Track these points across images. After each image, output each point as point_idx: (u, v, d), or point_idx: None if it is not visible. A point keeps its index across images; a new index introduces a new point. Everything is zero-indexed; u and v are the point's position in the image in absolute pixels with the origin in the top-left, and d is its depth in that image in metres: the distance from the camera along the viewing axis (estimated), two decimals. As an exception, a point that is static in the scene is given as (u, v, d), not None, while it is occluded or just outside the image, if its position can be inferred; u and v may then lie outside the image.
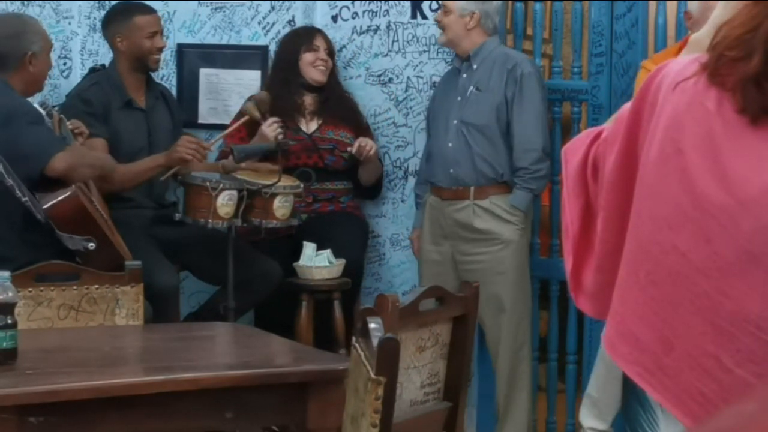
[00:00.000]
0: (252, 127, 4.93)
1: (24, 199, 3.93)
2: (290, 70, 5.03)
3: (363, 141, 4.98)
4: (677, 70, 1.91)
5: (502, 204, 4.71)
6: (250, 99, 4.92)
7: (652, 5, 4.93)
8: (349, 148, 5.00)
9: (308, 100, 5.08)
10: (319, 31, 5.11)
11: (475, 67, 4.78)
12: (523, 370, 4.77)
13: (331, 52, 5.09)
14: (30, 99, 4.30)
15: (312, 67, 5.02)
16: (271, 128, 4.84)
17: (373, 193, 5.21)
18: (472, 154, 4.72)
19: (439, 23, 4.86)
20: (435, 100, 4.96)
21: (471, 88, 4.77)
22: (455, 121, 4.77)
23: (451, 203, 4.76)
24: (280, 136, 4.81)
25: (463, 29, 4.78)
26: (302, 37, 5.07)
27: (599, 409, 4.35)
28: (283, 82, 5.03)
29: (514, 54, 4.87)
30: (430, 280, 4.63)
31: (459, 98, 4.79)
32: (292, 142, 4.85)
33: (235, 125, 4.92)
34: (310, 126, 5.07)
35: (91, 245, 4.01)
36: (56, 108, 4.44)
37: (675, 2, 4.81)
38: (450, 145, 4.77)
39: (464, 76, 4.81)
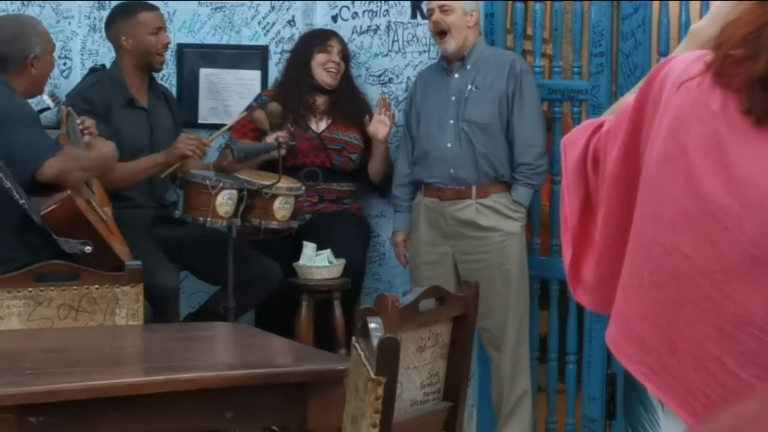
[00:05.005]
0: (260, 132, 4.94)
1: (21, 202, 3.92)
2: (302, 70, 5.03)
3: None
4: (681, 69, 1.89)
5: (504, 201, 4.74)
6: (262, 107, 4.90)
7: (655, 5, 4.93)
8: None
9: (319, 100, 5.08)
10: (334, 34, 5.11)
11: (468, 67, 4.79)
12: (524, 367, 4.79)
13: (345, 56, 5.08)
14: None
15: (323, 69, 5.01)
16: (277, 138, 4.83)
17: (382, 190, 5.20)
18: (475, 154, 4.73)
19: (436, 24, 4.76)
20: (418, 101, 4.88)
21: (470, 87, 4.76)
22: (451, 121, 4.76)
23: (453, 203, 4.76)
24: (283, 147, 4.77)
25: (465, 28, 4.78)
26: (317, 39, 5.07)
27: None
28: (295, 82, 5.04)
29: (505, 52, 4.93)
30: (428, 282, 4.61)
31: (453, 98, 4.78)
32: (292, 143, 4.85)
33: (236, 120, 4.92)
34: (319, 125, 5.07)
35: (88, 248, 3.99)
36: (64, 103, 4.44)
37: (677, 2, 4.82)
38: (449, 145, 4.76)
39: (456, 76, 4.81)
